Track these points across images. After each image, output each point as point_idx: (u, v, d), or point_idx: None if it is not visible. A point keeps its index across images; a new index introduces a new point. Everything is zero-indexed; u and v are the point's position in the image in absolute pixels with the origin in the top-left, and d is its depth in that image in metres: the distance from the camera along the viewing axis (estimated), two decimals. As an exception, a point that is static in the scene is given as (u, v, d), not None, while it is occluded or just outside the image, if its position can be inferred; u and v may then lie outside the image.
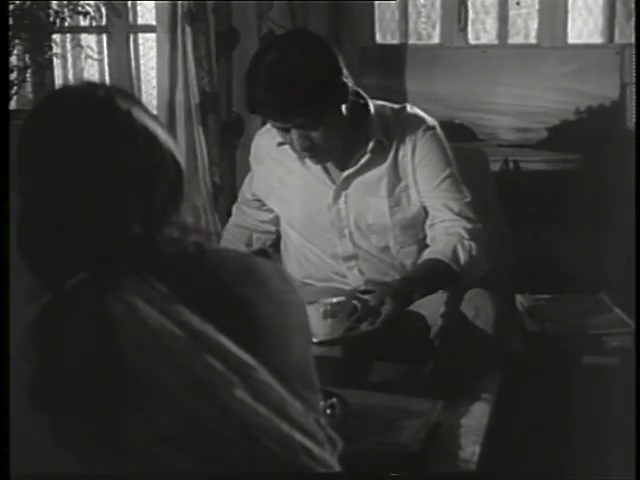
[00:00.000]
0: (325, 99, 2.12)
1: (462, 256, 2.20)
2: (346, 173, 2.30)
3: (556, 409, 2.32)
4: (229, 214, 2.62)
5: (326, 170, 2.32)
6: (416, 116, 2.31)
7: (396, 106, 2.34)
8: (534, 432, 2.31)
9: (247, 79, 2.17)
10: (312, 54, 2.13)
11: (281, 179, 2.37)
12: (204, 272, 1.19)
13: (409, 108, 2.32)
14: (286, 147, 2.26)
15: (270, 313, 1.20)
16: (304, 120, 2.12)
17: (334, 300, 2.01)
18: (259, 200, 2.48)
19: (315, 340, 1.90)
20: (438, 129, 2.31)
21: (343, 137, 2.23)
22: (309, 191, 2.33)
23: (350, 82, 2.19)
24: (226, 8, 2.94)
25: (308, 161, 2.30)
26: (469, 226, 2.25)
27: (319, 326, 1.97)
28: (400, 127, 2.29)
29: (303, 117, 2.11)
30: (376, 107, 2.30)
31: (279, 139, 2.26)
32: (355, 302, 2.03)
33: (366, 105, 2.29)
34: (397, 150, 2.29)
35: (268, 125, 2.32)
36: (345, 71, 2.16)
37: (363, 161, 2.28)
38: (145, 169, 1.17)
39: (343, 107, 2.18)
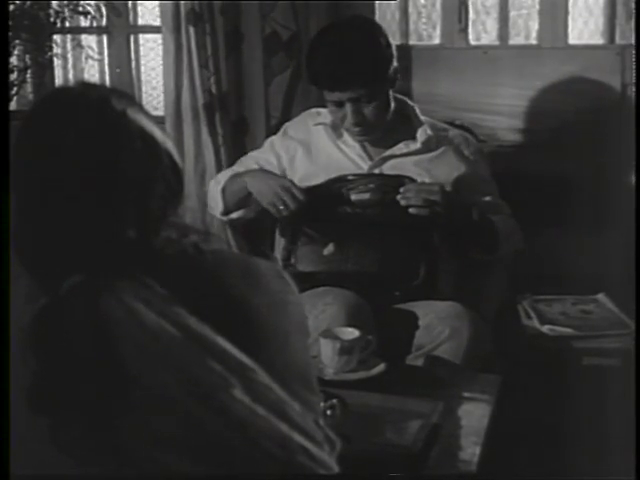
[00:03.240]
0: (381, 75, 2.36)
1: (499, 221, 2.41)
2: (387, 153, 2.48)
3: (556, 409, 2.32)
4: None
5: (363, 147, 2.49)
6: (466, 136, 2.58)
7: (444, 125, 2.61)
8: (534, 433, 2.31)
9: (309, 55, 2.43)
10: (372, 34, 2.38)
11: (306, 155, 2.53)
12: (202, 273, 1.19)
13: (457, 130, 2.60)
14: (320, 127, 2.50)
15: (269, 314, 1.20)
16: (361, 92, 2.33)
17: (350, 337, 2.01)
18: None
19: (326, 377, 1.93)
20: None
21: (389, 119, 2.44)
22: (336, 170, 2.44)
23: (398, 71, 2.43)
24: (234, 8, 2.94)
25: (345, 137, 2.48)
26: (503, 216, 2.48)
27: (333, 361, 1.98)
28: (451, 136, 2.54)
29: (360, 89, 2.32)
30: (425, 117, 2.55)
31: (317, 120, 2.52)
32: (370, 337, 2.04)
33: (413, 108, 2.54)
34: (444, 153, 2.50)
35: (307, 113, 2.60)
36: (395, 58, 2.40)
37: (411, 149, 2.47)
38: (141, 170, 1.16)
39: (391, 91, 2.42)
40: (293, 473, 1.12)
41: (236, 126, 3.01)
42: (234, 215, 2.55)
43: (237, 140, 3.02)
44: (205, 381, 1.09)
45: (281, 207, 2.31)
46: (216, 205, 2.54)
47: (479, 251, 2.44)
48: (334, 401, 1.70)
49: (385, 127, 2.45)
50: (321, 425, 1.21)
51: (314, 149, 2.52)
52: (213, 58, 2.92)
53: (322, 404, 1.40)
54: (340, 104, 2.38)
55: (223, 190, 2.49)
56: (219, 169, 2.97)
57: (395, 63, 2.40)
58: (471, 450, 1.69)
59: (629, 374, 1.92)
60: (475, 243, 2.42)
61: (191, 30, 2.90)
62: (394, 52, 2.41)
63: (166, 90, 3.01)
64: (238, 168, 2.57)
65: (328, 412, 1.67)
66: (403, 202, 2.28)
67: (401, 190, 2.29)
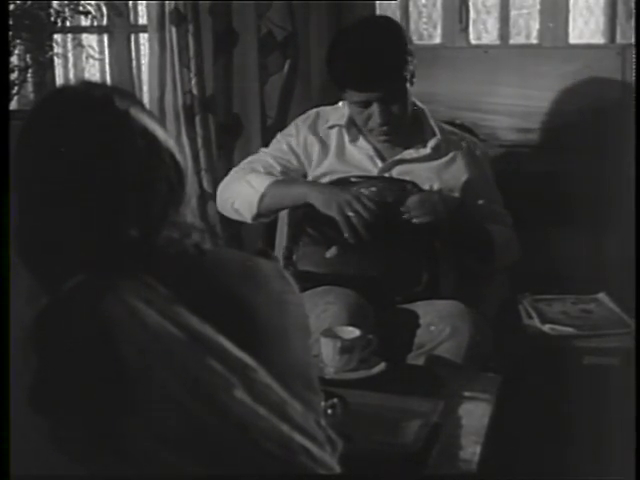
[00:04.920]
0: (405, 72, 2.37)
1: (496, 231, 2.43)
2: (399, 157, 2.49)
3: (556, 409, 2.32)
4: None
5: (376, 149, 2.49)
6: (474, 141, 2.60)
7: (453, 129, 2.61)
8: (534, 432, 2.31)
9: (333, 57, 2.40)
10: (394, 32, 2.41)
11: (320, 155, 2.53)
12: (204, 273, 1.19)
13: (466, 134, 2.61)
14: (335, 129, 2.50)
15: (270, 314, 1.20)
16: (388, 91, 2.35)
17: (351, 336, 2.02)
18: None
19: (327, 376, 1.93)
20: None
21: (409, 119, 2.46)
22: (347, 171, 2.46)
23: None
24: (225, 9, 2.93)
25: (360, 141, 2.48)
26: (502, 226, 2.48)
27: (334, 360, 1.99)
28: (458, 141, 2.54)
29: (388, 87, 2.35)
30: (435, 120, 2.56)
31: (331, 122, 2.51)
32: (370, 336, 2.04)
33: (423, 111, 2.55)
34: (454, 159, 2.51)
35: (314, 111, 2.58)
36: (414, 55, 2.42)
37: (421, 154, 2.49)
38: (144, 169, 1.16)
39: (410, 90, 2.42)
40: (294, 473, 1.12)
41: (228, 127, 3.00)
42: (260, 220, 2.53)
43: (226, 142, 3.00)
44: (206, 381, 1.09)
45: (352, 215, 2.27)
46: (248, 210, 2.46)
47: (475, 261, 2.45)
48: (335, 400, 1.70)
49: (405, 129, 2.47)
50: (322, 425, 1.21)
51: (330, 152, 2.52)
52: (196, 59, 2.90)
53: (323, 403, 1.40)
54: (366, 104, 2.38)
55: (262, 197, 2.42)
56: (197, 172, 2.94)
57: (415, 61, 2.41)
58: (472, 449, 1.69)
59: (629, 373, 1.92)
60: (471, 252, 2.43)
61: (173, 30, 2.89)
62: (413, 50, 2.42)
63: (150, 89, 2.99)
64: (258, 167, 2.51)
65: (329, 411, 1.67)
66: (406, 216, 2.30)
67: (403, 208, 2.30)
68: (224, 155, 2.99)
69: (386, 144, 2.49)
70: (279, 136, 2.61)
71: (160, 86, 2.95)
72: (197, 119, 2.94)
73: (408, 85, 2.40)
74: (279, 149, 2.56)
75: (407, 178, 2.43)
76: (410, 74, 2.40)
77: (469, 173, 2.50)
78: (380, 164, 2.48)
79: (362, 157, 2.49)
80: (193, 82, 2.91)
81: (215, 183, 2.85)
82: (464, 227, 2.38)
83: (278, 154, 2.54)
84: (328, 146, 2.52)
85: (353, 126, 2.50)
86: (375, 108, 2.37)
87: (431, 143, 2.49)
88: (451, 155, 2.51)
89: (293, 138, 2.55)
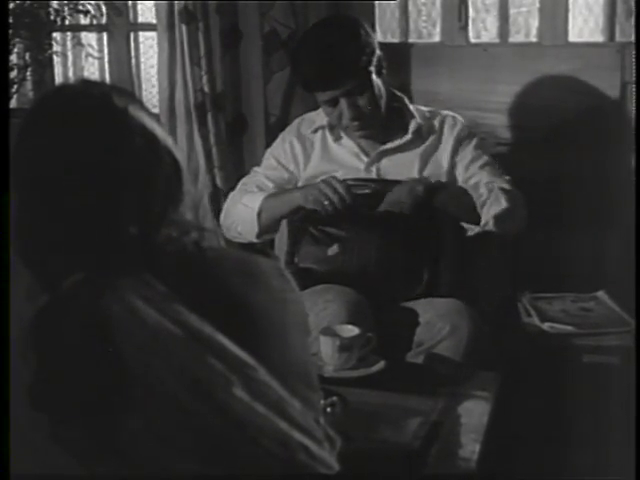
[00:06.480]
0: (367, 64, 2.38)
1: (490, 201, 2.40)
2: (382, 148, 2.51)
3: (556, 408, 2.32)
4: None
5: (360, 146, 2.52)
6: (452, 116, 2.58)
7: (430, 109, 2.61)
8: (534, 431, 2.31)
9: (296, 61, 2.50)
10: (349, 27, 2.42)
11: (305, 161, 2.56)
12: (203, 271, 1.18)
13: (443, 111, 2.60)
14: (319, 132, 2.54)
15: (269, 312, 1.20)
16: (352, 85, 2.36)
17: (350, 334, 2.02)
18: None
19: (326, 375, 1.94)
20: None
21: (384, 112, 2.46)
22: (335, 169, 2.48)
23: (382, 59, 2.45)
24: (232, 7, 2.94)
25: (344, 140, 2.52)
26: (506, 186, 2.45)
27: (333, 358, 1.99)
28: (438, 121, 2.55)
29: (350, 81, 2.36)
30: (414, 106, 2.58)
31: (316, 125, 2.55)
32: (370, 334, 2.05)
33: (402, 99, 2.56)
34: (437, 139, 2.52)
35: (301, 118, 2.62)
36: (377, 47, 2.43)
37: (403, 140, 2.50)
38: (142, 167, 1.16)
39: (380, 81, 2.43)
40: (293, 472, 1.12)
41: (234, 125, 3.01)
42: (265, 237, 2.55)
43: (234, 139, 3.01)
44: (205, 379, 1.09)
45: (326, 202, 2.31)
46: (251, 231, 2.50)
47: (465, 221, 2.46)
48: (334, 399, 1.70)
49: (380, 121, 2.47)
50: (321, 423, 1.21)
51: (315, 153, 2.54)
52: (206, 57, 2.91)
53: (322, 401, 1.40)
54: (334, 102, 2.40)
55: (259, 214, 2.47)
56: (210, 170, 2.96)
57: (378, 52, 2.43)
58: (471, 447, 1.69)
59: (629, 372, 1.92)
60: (457, 216, 2.45)
61: (184, 28, 2.90)
62: (375, 41, 2.44)
63: (160, 88, 3.01)
64: (251, 188, 2.55)
65: (328, 409, 1.67)
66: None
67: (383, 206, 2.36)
68: (234, 152, 3.00)
69: (369, 140, 2.51)
70: (268, 152, 2.65)
71: (170, 84, 2.96)
72: (209, 116, 2.95)
73: (374, 77, 2.41)
74: (269, 166, 2.59)
75: (395, 171, 2.46)
76: (376, 66, 2.41)
77: (454, 148, 2.51)
78: (365, 159, 2.50)
79: (347, 155, 2.52)
80: (204, 80, 2.92)
81: (228, 181, 2.86)
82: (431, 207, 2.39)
83: (269, 171, 2.58)
84: (313, 148, 2.55)
85: (337, 124, 2.51)
86: (343, 105, 2.40)
87: (412, 127, 2.51)
88: (433, 137, 2.53)
89: (280, 150, 2.59)
